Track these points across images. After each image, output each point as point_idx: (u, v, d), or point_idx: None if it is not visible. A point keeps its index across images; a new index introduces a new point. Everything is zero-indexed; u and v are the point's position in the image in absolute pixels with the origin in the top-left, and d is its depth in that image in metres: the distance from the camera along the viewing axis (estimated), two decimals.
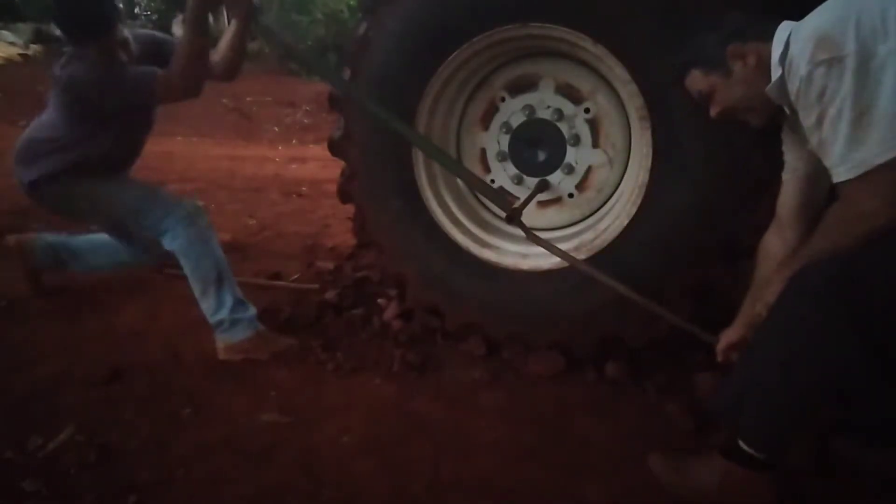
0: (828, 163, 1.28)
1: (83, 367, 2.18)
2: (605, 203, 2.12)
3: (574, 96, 2.06)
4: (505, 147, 2.21)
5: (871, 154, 1.19)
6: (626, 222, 1.91)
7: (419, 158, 2.18)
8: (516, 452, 1.79)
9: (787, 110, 1.41)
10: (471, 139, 2.27)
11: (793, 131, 1.51)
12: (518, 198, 2.12)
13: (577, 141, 2.08)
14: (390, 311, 2.52)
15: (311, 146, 6.76)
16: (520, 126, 2.16)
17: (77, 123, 2.24)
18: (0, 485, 1.65)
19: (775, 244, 1.57)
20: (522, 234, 1.98)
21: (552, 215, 2.22)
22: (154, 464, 1.74)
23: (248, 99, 8.51)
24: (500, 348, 2.26)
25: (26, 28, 11.79)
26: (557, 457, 1.77)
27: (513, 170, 2.22)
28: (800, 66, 1.26)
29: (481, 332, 2.26)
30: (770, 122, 1.49)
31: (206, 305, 2.27)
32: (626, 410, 1.97)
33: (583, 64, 2.01)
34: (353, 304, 2.63)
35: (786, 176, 1.55)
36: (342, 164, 2.38)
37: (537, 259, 2.08)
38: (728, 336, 1.62)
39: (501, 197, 2.04)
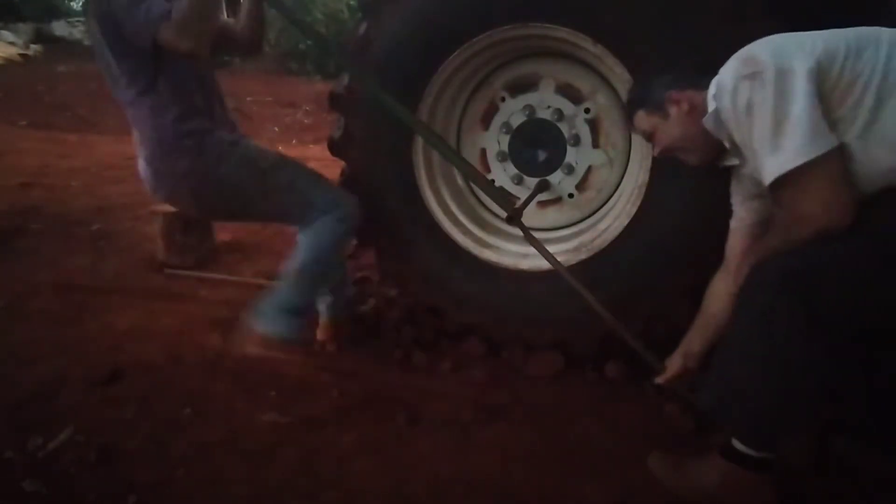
0: (761, 172, 1.35)
1: (83, 367, 2.17)
2: (605, 203, 2.13)
3: (574, 96, 2.06)
4: (505, 147, 2.21)
5: (789, 159, 1.27)
6: (626, 222, 1.91)
7: (419, 158, 2.18)
8: (516, 452, 1.79)
9: (727, 144, 1.48)
10: (471, 139, 2.27)
11: (737, 182, 1.62)
12: (518, 198, 2.12)
13: (577, 141, 2.08)
14: (390, 311, 2.52)
15: (311, 146, 6.75)
16: (520, 126, 2.16)
17: (145, 85, 1.88)
18: (0, 485, 1.65)
19: (722, 287, 1.63)
20: (522, 234, 1.97)
21: (552, 215, 2.22)
22: (154, 464, 1.74)
23: (248, 99, 8.49)
24: (500, 348, 2.26)
25: (26, 28, 11.81)
26: (557, 457, 1.77)
27: (513, 170, 2.22)
28: (727, 82, 1.36)
29: (481, 332, 2.26)
30: (707, 163, 1.60)
31: (281, 290, 2.02)
32: (626, 410, 1.97)
33: (583, 64, 2.01)
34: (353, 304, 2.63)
35: (733, 224, 1.64)
36: (342, 164, 2.37)
37: (537, 259, 2.07)
38: (671, 367, 1.74)
39: (503, 196, 2.04)
